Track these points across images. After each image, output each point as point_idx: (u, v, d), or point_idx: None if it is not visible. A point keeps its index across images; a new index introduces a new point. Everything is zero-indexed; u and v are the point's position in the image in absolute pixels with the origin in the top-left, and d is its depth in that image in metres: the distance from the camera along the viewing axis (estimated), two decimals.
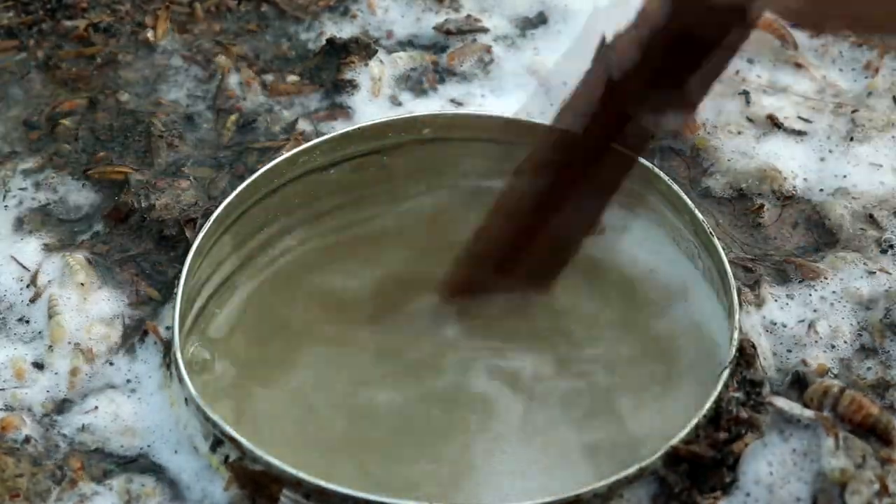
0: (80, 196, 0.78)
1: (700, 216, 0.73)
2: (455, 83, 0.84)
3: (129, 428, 0.68)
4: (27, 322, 0.72)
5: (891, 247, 0.75)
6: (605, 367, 0.75)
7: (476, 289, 0.75)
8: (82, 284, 0.73)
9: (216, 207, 0.74)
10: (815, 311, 0.72)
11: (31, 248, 0.75)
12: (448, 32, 0.87)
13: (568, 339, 0.78)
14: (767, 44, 0.84)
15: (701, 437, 0.65)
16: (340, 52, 0.84)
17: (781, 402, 0.65)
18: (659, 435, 0.67)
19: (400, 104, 0.83)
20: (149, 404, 0.68)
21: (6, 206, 0.77)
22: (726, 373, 0.67)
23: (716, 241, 0.72)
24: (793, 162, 0.79)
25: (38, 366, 0.70)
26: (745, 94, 0.82)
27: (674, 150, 0.79)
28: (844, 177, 0.78)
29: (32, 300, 0.73)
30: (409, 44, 0.87)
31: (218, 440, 0.65)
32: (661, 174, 0.75)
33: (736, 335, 0.68)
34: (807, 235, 0.76)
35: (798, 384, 0.68)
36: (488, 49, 0.85)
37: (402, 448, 0.72)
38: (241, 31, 0.88)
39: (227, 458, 0.65)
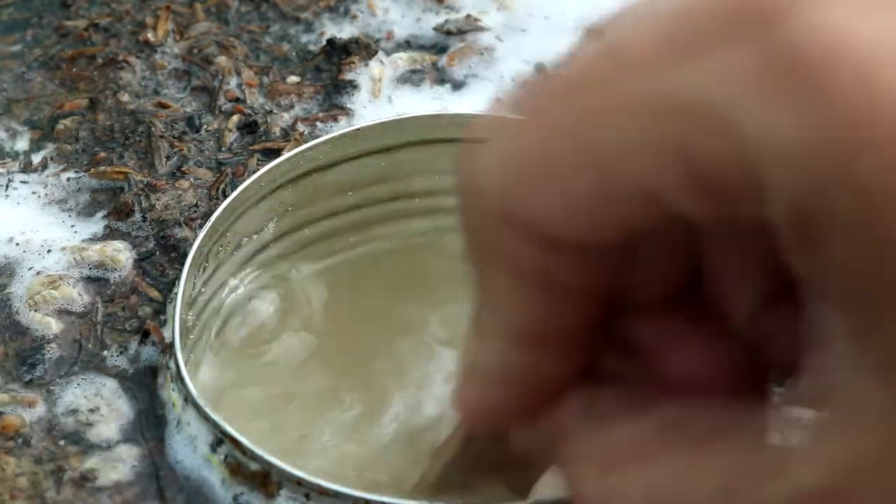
0: (81, 196, 0.78)
1: None
2: (455, 83, 0.84)
3: (129, 428, 0.68)
4: None
5: None
6: None
7: None
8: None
9: (217, 208, 0.74)
10: None
11: (30, 249, 0.75)
12: (448, 33, 0.87)
13: None
14: None
15: None
16: (340, 53, 0.85)
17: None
18: None
19: (400, 105, 0.83)
20: (149, 405, 0.68)
21: (6, 207, 0.77)
22: None
23: None
24: None
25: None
26: None
27: None
28: None
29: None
30: (409, 44, 0.87)
31: (218, 440, 0.65)
32: None
33: None
34: None
35: None
36: (489, 49, 0.85)
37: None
38: (241, 32, 0.88)
39: (226, 457, 0.65)
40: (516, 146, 0.32)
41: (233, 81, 0.84)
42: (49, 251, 0.74)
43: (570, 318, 0.33)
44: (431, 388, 0.76)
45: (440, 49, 0.86)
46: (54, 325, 0.71)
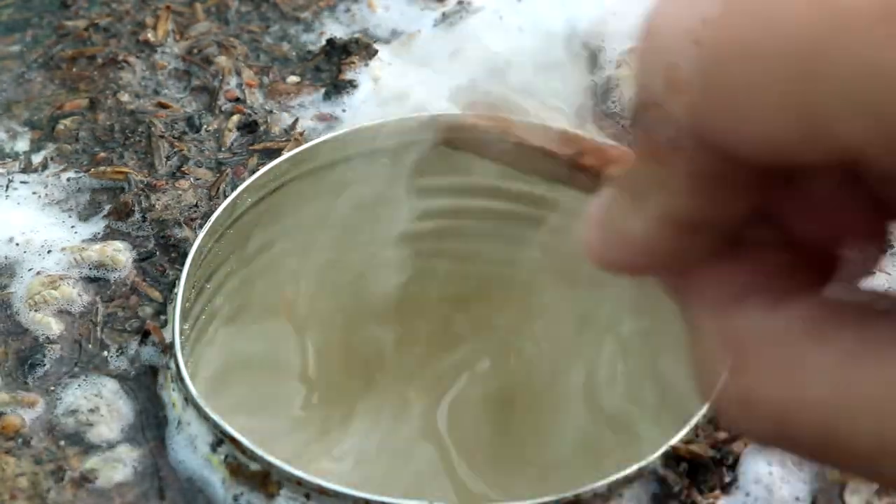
0: (81, 197, 0.78)
1: None
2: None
3: (130, 428, 0.68)
4: None
5: (891, 247, 0.75)
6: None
7: None
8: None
9: (216, 208, 0.74)
10: None
11: (31, 249, 0.75)
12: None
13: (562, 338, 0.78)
14: None
15: (700, 436, 0.65)
16: (341, 53, 0.85)
17: None
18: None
19: (400, 104, 0.83)
20: (149, 405, 0.68)
21: (6, 207, 0.77)
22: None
23: None
24: None
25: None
26: None
27: None
28: None
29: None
30: None
31: (218, 440, 0.65)
32: None
33: None
34: None
35: None
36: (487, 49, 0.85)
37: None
38: (241, 32, 0.88)
39: (226, 457, 0.65)
40: (727, 69, 0.32)
41: (233, 81, 0.84)
42: (49, 251, 0.74)
43: (728, 213, 0.34)
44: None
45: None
46: (54, 326, 0.71)
